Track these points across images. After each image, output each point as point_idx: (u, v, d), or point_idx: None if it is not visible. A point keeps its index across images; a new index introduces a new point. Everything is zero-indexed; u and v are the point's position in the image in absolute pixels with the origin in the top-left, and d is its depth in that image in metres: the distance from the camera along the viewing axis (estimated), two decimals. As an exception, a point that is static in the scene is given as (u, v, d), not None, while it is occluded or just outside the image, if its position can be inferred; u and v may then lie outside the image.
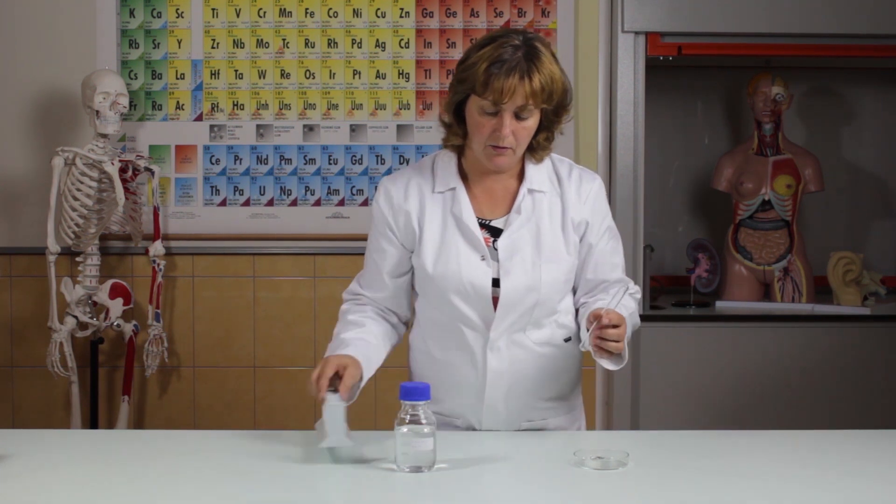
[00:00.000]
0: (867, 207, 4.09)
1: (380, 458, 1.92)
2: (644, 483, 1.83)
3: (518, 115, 2.02)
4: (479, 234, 2.11)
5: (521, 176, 2.16)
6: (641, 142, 3.55)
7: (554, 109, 2.07)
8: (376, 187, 2.25)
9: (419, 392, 1.84)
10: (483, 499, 1.78)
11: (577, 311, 2.19)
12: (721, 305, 3.74)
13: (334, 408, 1.89)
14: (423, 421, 1.83)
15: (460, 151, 2.17)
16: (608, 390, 3.58)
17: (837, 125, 4.07)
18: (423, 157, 3.69)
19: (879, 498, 1.75)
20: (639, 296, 2.26)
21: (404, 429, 1.84)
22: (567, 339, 2.17)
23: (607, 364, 2.01)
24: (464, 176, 2.16)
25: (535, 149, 2.12)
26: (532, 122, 2.05)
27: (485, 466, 1.90)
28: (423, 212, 2.14)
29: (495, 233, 2.13)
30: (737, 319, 3.59)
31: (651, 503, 1.73)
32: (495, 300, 2.10)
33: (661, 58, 3.57)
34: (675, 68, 3.75)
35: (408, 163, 3.61)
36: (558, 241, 2.13)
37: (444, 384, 2.14)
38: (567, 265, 2.14)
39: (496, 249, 2.11)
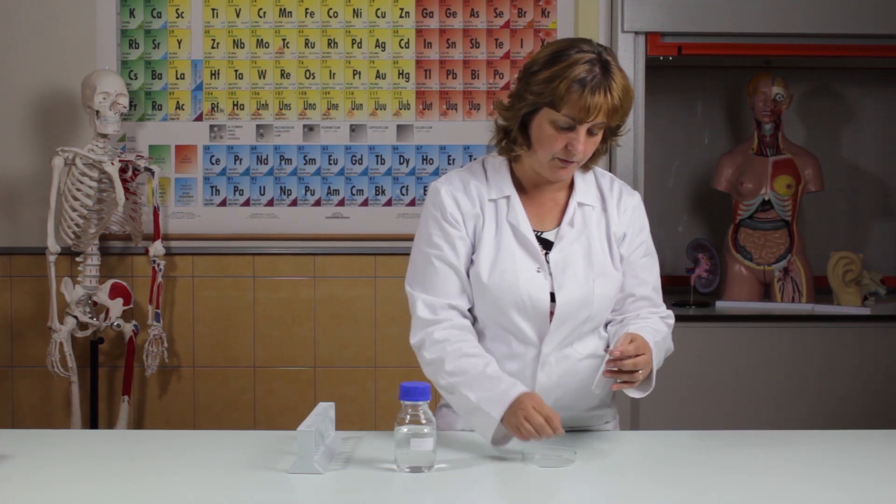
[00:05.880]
0: (867, 207, 4.09)
1: (380, 458, 1.92)
2: (645, 483, 1.83)
3: (590, 131, 2.00)
4: (537, 244, 2.08)
5: (568, 188, 2.15)
6: (641, 142, 3.55)
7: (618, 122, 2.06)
8: (427, 191, 2.13)
9: (419, 392, 1.84)
10: (483, 499, 1.78)
11: (606, 323, 2.17)
12: (721, 305, 3.74)
13: (305, 434, 1.84)
14: (423, 421, 1.83)
15: (513, 158, 2.13)
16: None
17: (837, 125, 4.07)
18: (422, 156, 3.75)
19: (879, 498, 1.74)
20: (671, 321, 2.17)
21: (404, 429, 1.84)
22: (608, 349, 2.14)
23: (632, 392, 2.00)
24: (516, 184, 2.13)
25: (591, 157, 2.10)
26: (600, 135, 2.04)
27: (485, 466, 1.90)
28: (483, 218, 2.10)
29: (545, 245, 2.10)
30: (737, 319, 3.58)
31: (652, 502, 1.73)
32: (549, 314, 2.07)
33: (661, 58, 3.57)
34: (675, 68, 3.75)
35: (408, 163, 3.61)
36: (606, 255, 2.12)
37: None
38: (616, 280, 2.12)
39: (548, 262, 2.08)
